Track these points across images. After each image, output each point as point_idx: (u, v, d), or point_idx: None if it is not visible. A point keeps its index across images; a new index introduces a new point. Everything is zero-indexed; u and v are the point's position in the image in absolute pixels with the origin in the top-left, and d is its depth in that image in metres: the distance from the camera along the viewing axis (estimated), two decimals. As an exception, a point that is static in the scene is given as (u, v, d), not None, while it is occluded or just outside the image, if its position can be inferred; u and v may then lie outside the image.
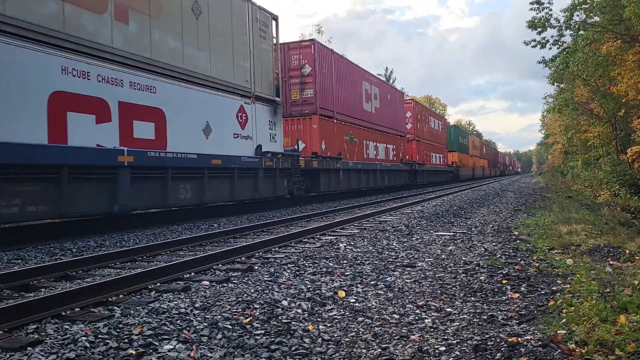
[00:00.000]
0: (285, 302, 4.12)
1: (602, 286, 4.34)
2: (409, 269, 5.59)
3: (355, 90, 22.76)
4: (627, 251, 6.25)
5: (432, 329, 3.54)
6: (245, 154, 13.14)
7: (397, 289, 4.66)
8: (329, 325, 3.65)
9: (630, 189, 19.52)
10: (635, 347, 2.94)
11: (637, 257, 5.88)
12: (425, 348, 3.16)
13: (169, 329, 3.40)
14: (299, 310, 3.94)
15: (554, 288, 4.55)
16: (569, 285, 4.56)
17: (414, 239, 7.93)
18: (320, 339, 3.34)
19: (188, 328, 3.45)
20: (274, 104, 15.03)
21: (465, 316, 3.82)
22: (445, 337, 3.35)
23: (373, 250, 6.80)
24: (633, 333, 3.16)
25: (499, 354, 3.01)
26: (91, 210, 9.01)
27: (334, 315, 3.89)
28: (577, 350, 2.98)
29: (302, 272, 5.40)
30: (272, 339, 3.26)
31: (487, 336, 3.34)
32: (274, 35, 15.09)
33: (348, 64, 22.59)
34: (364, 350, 3.15)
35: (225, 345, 3.17)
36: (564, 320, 3.51)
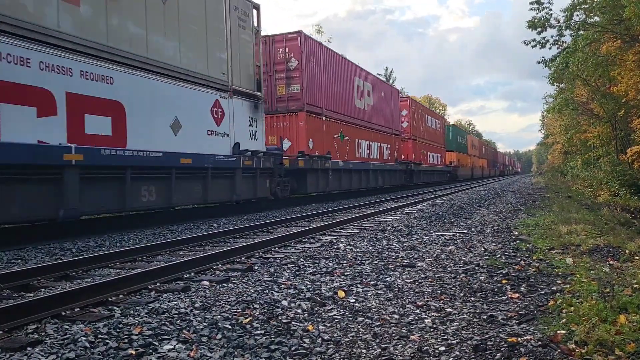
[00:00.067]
0: (285, 302, 4.12)
1: (602, 286, 4.34)
2: (408, 269, 5.59)
3: (346, 86, 21.76)
4: (627, 251, 6.25)
5: (432, 329, 3.54)
6: (220, 153, 12.09)
7: (397, 289, 4.66)
8: (328, 325, 3.65)
9: (630, 189, 19.54)
10: (635, 347, 2.95)
11: (637, 257, 5.88)
12: (425, 348, 3.16)
13: (169, 329, 3.40)
14: (299, 310, 3.94)
15: (554, 288, 4.55)
16: (568, 285, 4.56)
17: (413, 239, 7.93)
18: (320, 339, 3.34)
19: (188, 328, 3.45)
20: (255, 99, 13.94)
21: (465, 316, 3.82)
22: (445, 337, 3.35)
23: (373, 250, 6.80)
24: (633, 333, 3.16)
25: (498, 354, 3.01)
26: (30, 215, 8.06)
27: (334, 315, 3.89)
28: (577, 350, 2.98)
29: (302, 272, 5.40)
30: (272, 339, 3.26)
31: (487, 336, 3.35)
32: (255, 25, 14.05)
33: (338, 58, 21.65)
34: (363, 350, 3.16)
35: (225, 345, 3.17)
36: (564, 320, 3.51)
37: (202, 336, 3.31)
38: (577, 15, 19.35)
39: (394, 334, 3.44)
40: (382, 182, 25.94)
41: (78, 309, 3.93)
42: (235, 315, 3.75)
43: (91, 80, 8.91)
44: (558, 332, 3.27)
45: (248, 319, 3.63)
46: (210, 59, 12.03)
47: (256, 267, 5.69)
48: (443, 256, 6.32)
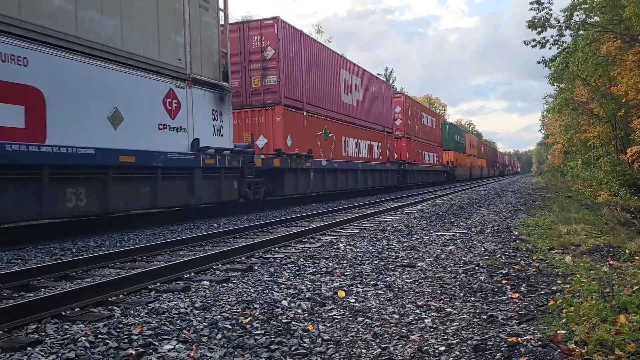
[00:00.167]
0: (285, 302, 4.12)
1: (602, 286, 4.35)
2: (408, 268, 5.60)
3: (331, 79, 20.17)
4: (627, 251, 6.25)
5: (432, 329, 3.54)
6: (174, 150, 10.58)
7: (397, 289, 4.66)
8: (328, 325, 3.65)
9: (630, 188, 19.54)
10: (635, 347, 2.95)
11: (637, 257, 5.88)
12: (425, 348, 3.16)
13: (169, 329, 3.40)
14: (299, 310, 3.94)
15: (554, 288, 4.56)
16: (568, 285, 4.56)
17: (413, 239, 7.93)
18: (320, 339, 3.34)
19: (188, 328, 3.45)
20: (221, 89, 12.39)
21: (465, 316, 3.82)
22: (445, 337, 3.36)
23: (373, 250, 6.80)
24: (633, 333, 3.16)
25: (498, 354, 3.01)
26: None
27: (334, 315, 3.89)
28: (577, 350, 2.98)
29: (302, 272, 5.40)
30: (272, 339, 3.26)
31: (487, 336, 3.35)
32: (222, 7, 12.58)
33: (322, 48, 20.01)
34: (363, 350, 3.16)
35: (225, 345, 3.17)
36: (564, 320, 3.51)
37: (202, 336, 3.31)
38: (577, 15, 19.36)
39: (394, 334, 3.44)
40: (372, 182, 24.36)
41: (78, 309, 3.93)
42: (235, 315, 3.76)
43: None
44: (558, 332, 3.27)
45: (248, 319, 3.63)
46: (162, 43, 10.43)
47: (256, 267, 5.69)
48: (443, 256, 6.32)
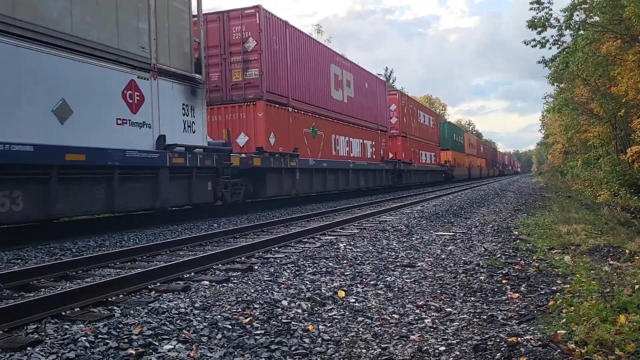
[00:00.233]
0: (285, 302, 4.12)
1: (602, 286, 4.35)
2: (408, 268, 5.60)
3: (320, 74, 19.08)
4: (627, 251, 6.25)
5: (432, 329, 3.54)
6: (136, 147, 9.53)
7: (397, 289, 4.67)
8: (328, 325, 3.65)
9: (630, 188, 19.54)
10: (635, 347, 2.95)
11: (637, 257, 5.88)
12: (425, 348, 3.16)
13: (169, 329, 3.40)
14: (299, 310, 3.95)
15: (554, 288, 4.56)
16: (568, 285, 4.56)
17: (413, 238, 7.93)
18: (320, 338, 3.34)
19: (188, 328, 3.45)
20: (192, 82, 11.43)
21: (465, 316, 3.82)
22: (445, 337, 3.36)
23: (373, 250, 6.80)
24: (633, 333, 3.17)
25: (498, 354, 3.02)
26: None
27: (334, 315, 3.89)
28: (577, 350, 2.98)
29: (302, 272, 5.40)
30: (272, 339, 3.26)
31: (487, 336, 3.35)
32: None
33: (310, 41, 18.87)
34: (363, 350, 3.16)
35: (225, 345, 3.18)
36: (564, 320, 3.51)
37: (202, 336, 3.31)
38: (577, 15, 19.37)
39: (394, 334, 3.44)
40: (365, 183, 23.24)
41: (78, 309, 3.93)
42: (235, 315, 3.76)
43: None
44: (558, 332, 3.27)
45: (248, 319, 3.64)
46: (122, 29, 9.38)
47: (256, 267, 5.69)
48: (443, 256, 6.32)
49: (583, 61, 19.77)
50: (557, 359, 2.93)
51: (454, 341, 3.28)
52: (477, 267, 5.53)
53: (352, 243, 7.45)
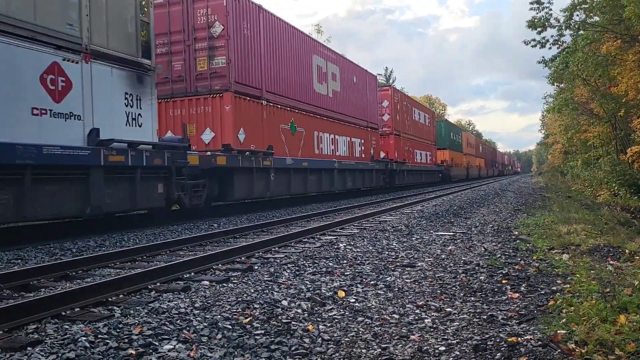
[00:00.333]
0: (285, 302, 4.12)
1: (602, 286, 4.35)
2: (408, 268, 5.60)
3: (301, 65, 17.39)
4: (627, 251, 6.26)
5: (432, 329, 3.54)
6: (59, 142, 8.00)
7: (397, 289, 4.67)
8: (328, 325, 3.65)
9: (630, 188, 19.55)
10: (635, 347, 2.95)
11: (637, 257, 5.88)
12: (425, 348, 3.16)
13: (169, 329, 3.40)
14: (299, 310, 3.95)
15: (554, 288, 4.56)
16: (568, 285, 4.56)
17: (413, 238, 7.93)
18: (320, 338, 3.34)
19: (188, 328, 3.45)
20: (139, 68, 9.85)
21: (465, 316, 3.82)
22: (445, 337, 3.36)
23: (373, 250, 6.80)
24: (633, 333, 3.17)
25: (498, 354, 3.02)
26: None
27: (334, 315, 3.89)
28: (577, 350, 2.98)
29: (302, 272, 5.40)
30: (272, 339, 3.26)
31: (487, 336, 3.35)
32: None
33: (289, 28, 16.86)
34: (363, 350, 3.16)
35: (225, 345, 3.18)
36: (564, 320, 3.51)
37: (202, 336, 3.31)
38: (577, 15, 19.38)
39: (394, 334, 3.44)
40: (353, 184, 21.62)
41: (78, 309, 3.93)
42: (235, 315, 3.76)
43: None
44: (558, 332, 3.27)
45: (248, 319, 3.64)
46: (41, 0, 7.93)
47: (256, 267, 5.69)
48: (443, 256, 6.32)
49: (583, 61, 19.78)
50: (557, 359, 2.93)
51: (454, 341, 3.28)
52: (477, 267, 5.53)
53: (352, 243, 7.45)
